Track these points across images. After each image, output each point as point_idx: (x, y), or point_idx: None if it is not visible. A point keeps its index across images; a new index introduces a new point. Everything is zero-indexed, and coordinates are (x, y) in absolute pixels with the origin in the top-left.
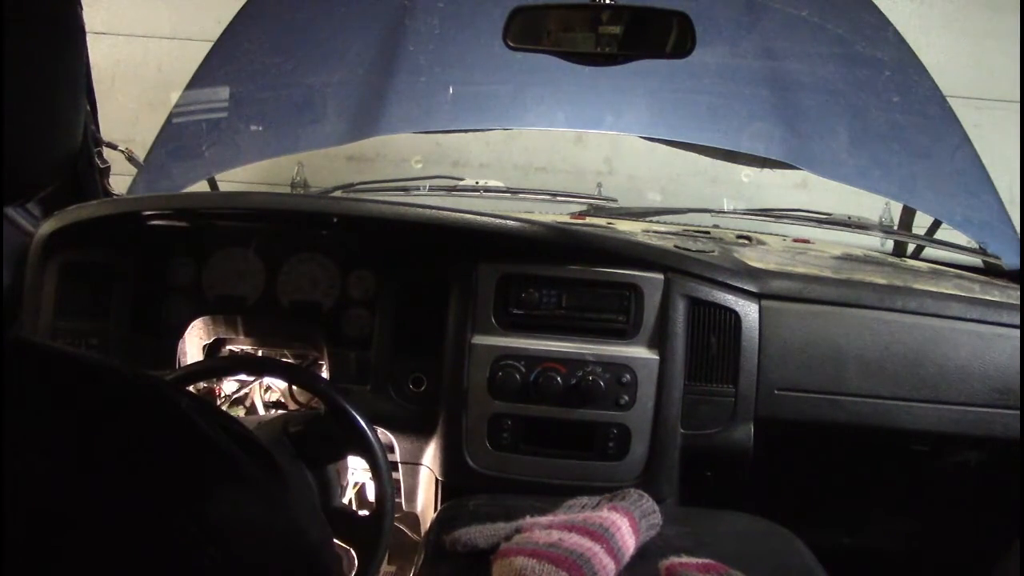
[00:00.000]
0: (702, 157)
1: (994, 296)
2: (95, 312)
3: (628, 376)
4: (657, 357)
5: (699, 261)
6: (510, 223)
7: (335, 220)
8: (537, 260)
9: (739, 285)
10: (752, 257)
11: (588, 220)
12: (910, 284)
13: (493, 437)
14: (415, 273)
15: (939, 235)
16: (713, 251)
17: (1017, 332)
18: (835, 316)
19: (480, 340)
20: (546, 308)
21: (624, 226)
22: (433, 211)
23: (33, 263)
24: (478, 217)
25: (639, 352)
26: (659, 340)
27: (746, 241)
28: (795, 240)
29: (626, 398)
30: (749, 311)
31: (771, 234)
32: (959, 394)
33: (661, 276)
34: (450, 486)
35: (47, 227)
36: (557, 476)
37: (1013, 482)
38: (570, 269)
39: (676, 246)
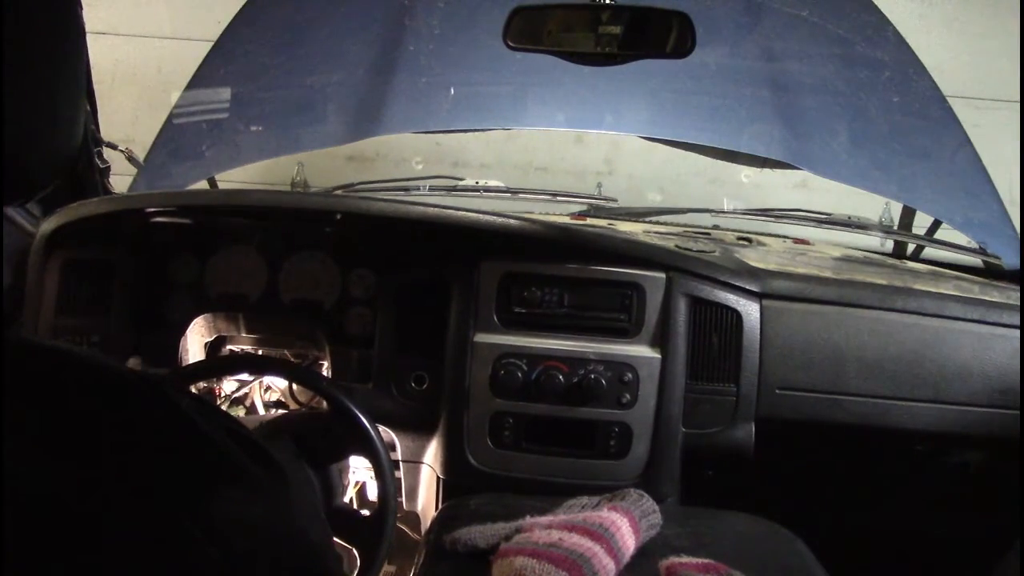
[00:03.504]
0: (702, 157)
1: (994, 297)
2: (97, 309)
3: (630, 375)
4: (659, 356)
5: (701, 260)
6: (513, 222)
7: (337, 218)
8: (539, 259)
9: (741, 284)
10: (752, 258)
11: (588, 221)
12: (910, 285)
13: (495, 435)
14: (417, 271)
15: (939, 235)
16: (714, 251)
17: (1017, 332)
18: (836, 316)
19: (482, 338)
20: (548, 307)
21: (624, 227)
22: (436, 209)
23: (35, 260)
24: (481, 216)
25: (641, 351)
26: (661, 339)
27: (746, 242)
28: (795, 241)
29: (628, 397)
30: (750, 311)
31: (771, 235)
32: (959, 394)
33: (663, 275)
34: (452, 484)
35: (49, 224)
36: (558, 474)
37: (1013, 482)
38: (572, 268)
39: (677, 246)
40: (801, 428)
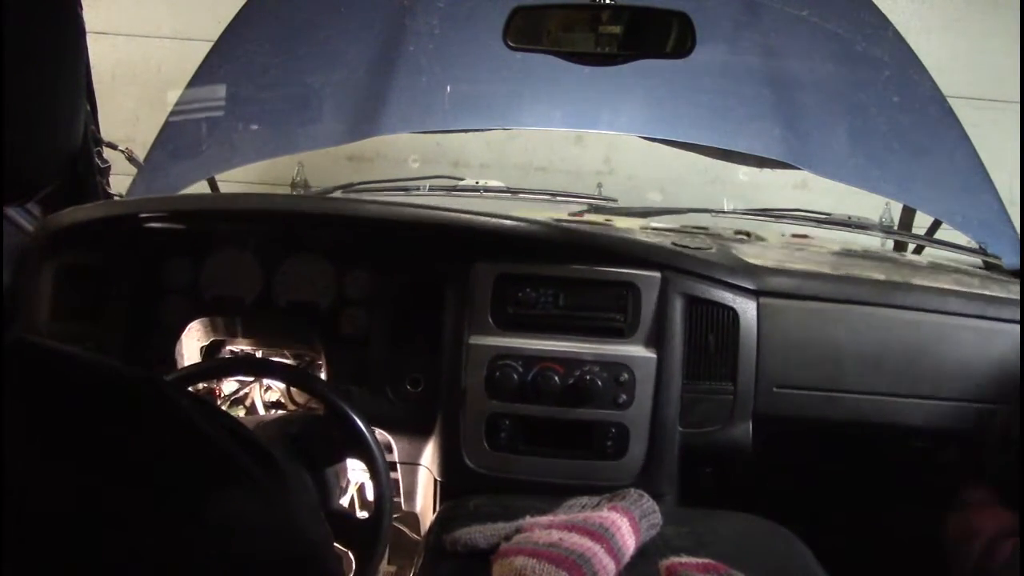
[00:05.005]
0: (702, 157)
1: (994, 291)
2: (91, 314)
3: (626, 375)
4: (655, 356)
5: (696, 259)
6: (506, 222)
7: (330, 220)
8: (534, 259)
9: (736, 282)
10: (750, 254)
11: (586, 217)
12: (909, 280)
13: (491, 437)
14: (412, 273)
15: (939, 235)
16: (711, 248)
17: (1016, 328)
18: (833, 313)
19: (477, 340)
20: (543, 307)
21: (622, 223)
22: (428, 211)
23: (29, 266)
24: (474, 216)
25: (637, 351)
26: (657, 339)
27: (744, 237)
28: (793, 236)
29: (624, 397)
30: (747, 308)
31: (770, 224)
32: (958, 390)
33: (658, 274)
34: (449, 487)
35: (44, 229)
36: (555, 476)
37: (1012, 480)
38: (567, 268)
39: (674, 243)
40: (799, 426)
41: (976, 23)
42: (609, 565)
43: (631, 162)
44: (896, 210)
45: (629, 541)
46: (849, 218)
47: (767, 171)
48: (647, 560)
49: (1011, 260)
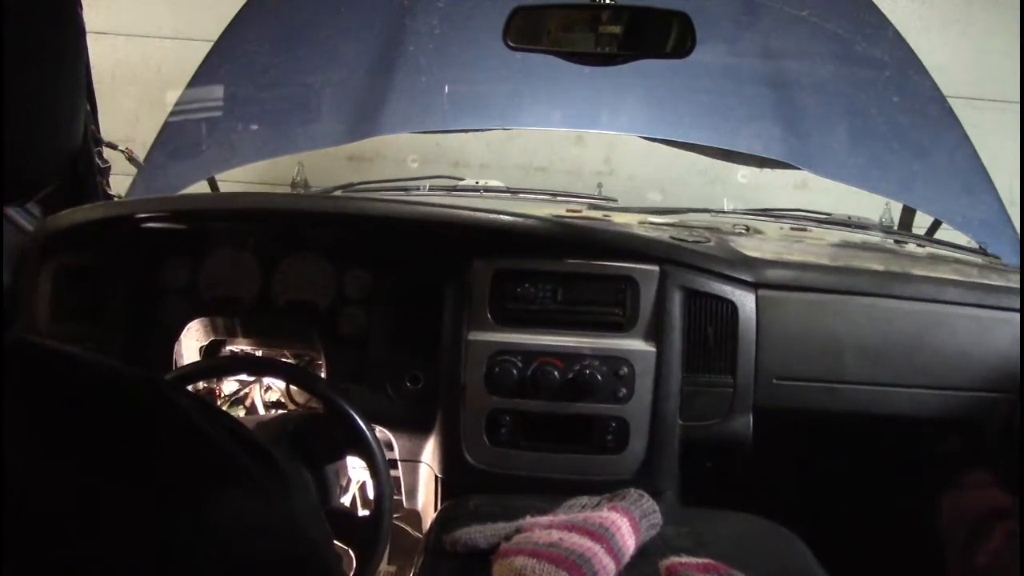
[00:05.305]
0: (702, 157)
1: (993, 280)
2: (90, 315)
3: (625, 369)
4: (654, 349)
5: (694, 252)
6: (504, 218)
7: (328, 219)
8: (532, 255)
9: (735, 275)
10: (749, 246)
11: (584, 213)
12: (908, 270)
13: (491, 433)
14: (411, 271)
15: (939, 235)
16: (709, 241)
17: (1016, 316)
18: (832, 304)
19: (476, 336)
20: (542, 303)
21: (620, 218)
22: (425, 208)
23: (29, 266)
24: (471, 213)
25: (636, 345)
26: (656, 332)
27: (743, 230)
28: (792, 229)
29: (624, 391)
30: (746, 301)
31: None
32: (959, 379)
33: (656, 268)
34: (449, 483)
35: (42, 231)
36: (556, 471)
37: (1014, 470)
38: (565, 263)
39: (672, 237)
40: (800, 417)
41: (976, 23)
42: (609, 565)
43: (631, 162)
44: (896, 210)
45: (629, 541)
46: (849, 218)
47: (767, 171)
48: (647, 560)
49: (1011, 260)
